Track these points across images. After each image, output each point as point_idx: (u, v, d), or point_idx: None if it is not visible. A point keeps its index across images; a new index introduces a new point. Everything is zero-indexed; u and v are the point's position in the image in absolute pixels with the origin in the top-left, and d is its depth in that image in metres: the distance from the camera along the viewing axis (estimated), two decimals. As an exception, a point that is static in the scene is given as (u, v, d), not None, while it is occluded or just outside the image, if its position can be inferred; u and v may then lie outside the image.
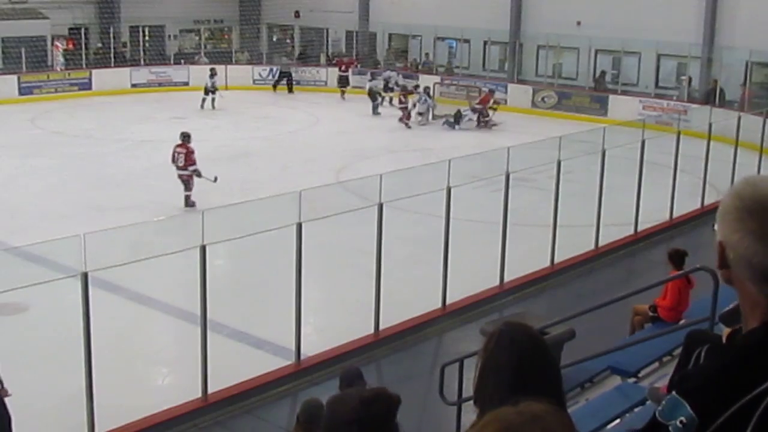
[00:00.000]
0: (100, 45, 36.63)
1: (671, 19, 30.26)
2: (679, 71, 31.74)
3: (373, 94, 31.78)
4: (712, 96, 28.82)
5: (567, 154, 15.13)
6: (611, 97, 31.27)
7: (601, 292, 13.59)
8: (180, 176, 19.04)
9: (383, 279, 11.97)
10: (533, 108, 32.53)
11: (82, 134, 26.98)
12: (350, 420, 2.70)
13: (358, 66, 36.65)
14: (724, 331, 5.67)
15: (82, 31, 35.43)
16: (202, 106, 31.68)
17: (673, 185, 17.40)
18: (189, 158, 18.88)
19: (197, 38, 40.12)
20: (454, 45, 36.99)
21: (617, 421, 7.19)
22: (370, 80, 33.20)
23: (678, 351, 8.51)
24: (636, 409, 7.28)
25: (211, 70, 32.51)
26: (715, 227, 2.15)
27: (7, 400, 9.42)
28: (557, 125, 26.98)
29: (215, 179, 18.62)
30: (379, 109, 31.32)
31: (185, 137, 19.50)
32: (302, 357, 11.21)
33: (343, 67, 35.56)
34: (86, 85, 34.50)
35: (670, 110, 27.98)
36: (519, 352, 2.71)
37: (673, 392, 1.95)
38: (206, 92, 31.85)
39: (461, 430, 8.91)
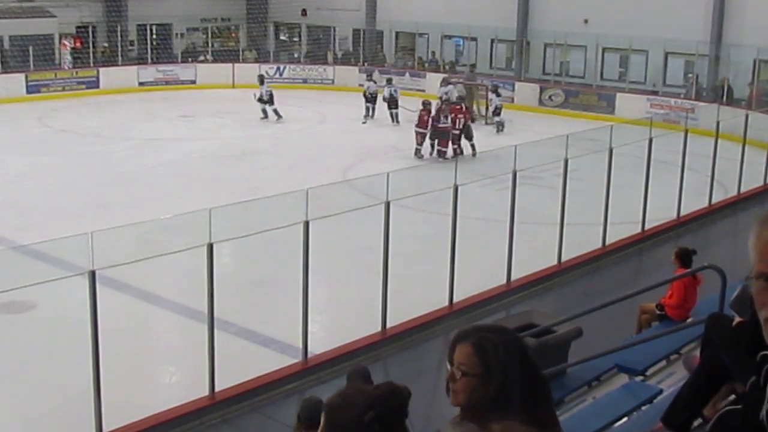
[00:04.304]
0: (105, 44, 36.72)
1: (679, 17, 30.21)
2: (686, 69, 31.70)
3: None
4: (719, 94, 28.77)
5: (574, 153, 15.11)
6: (618, 95, 31.22)
7: (608, 290, 13.58)
8: (450, 133, 24.06)
9: (390, 277, 11.97)
10: (540, 106, 32.49)
11: (89, 132, 27.04)
12: (371, 419, 2.65)
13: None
14: (736, 318, 5.72)
15: (90, 29, 35.53)
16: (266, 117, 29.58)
17: (681, 183, 17.36)
18: (460, 120, 24.24)
19: (204, 36, 40.17)
20: (461, 43, 36.99)
21: (624, 419, 7.17)
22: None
23: (685, 349, 8.52)
24: (643, 408, 7.27)
25: (260, 77, 30.83)
26: None
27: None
28: (564, 123, 26.96)
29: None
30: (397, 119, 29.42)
31: (462, 99, 27.22)
32: (309, 355, 11.21)
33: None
34: (94, 84, 34.59)
35: (677, 108, 27.92)
36: (519, 353, 2.72)
37: None
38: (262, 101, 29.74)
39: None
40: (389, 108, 29.55)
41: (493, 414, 2.64)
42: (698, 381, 5.73)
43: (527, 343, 2.82)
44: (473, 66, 33.76)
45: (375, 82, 30.71)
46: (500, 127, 28.06)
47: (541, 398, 2.72)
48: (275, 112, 29.53)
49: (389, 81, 30.66)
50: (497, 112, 28.44)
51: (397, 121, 29.04)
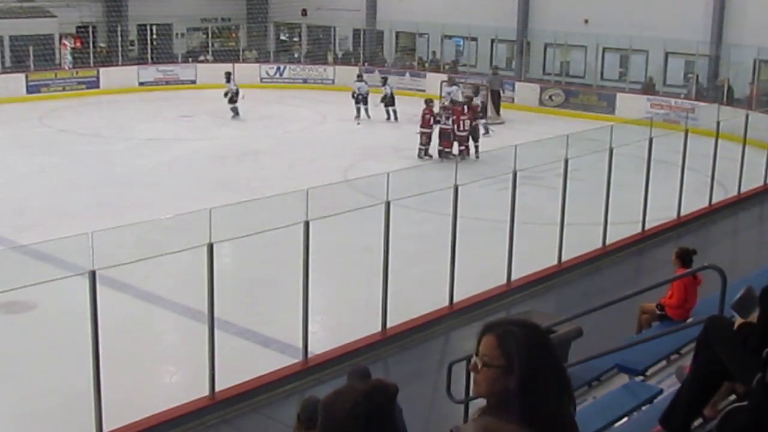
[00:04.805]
0: (103, 45, 36.74)
1: (679, 16, 30.21)
2: (686, 69, 31.70)
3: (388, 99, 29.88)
4: (719, 94, 28.76)
5: (574, 153, 15.10)
6: (618, 95, 31.22)
7: (609, 290, 13.57)
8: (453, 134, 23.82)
9: (390, 277, 11.96)
10: (541, 106, 32.48)
11: (89, 132, 27.06)
12: (356, 415, 2.70)
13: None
14: (737, 321, 5.72)
15: (90, 29, 35.54)
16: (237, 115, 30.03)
17: (681, 183, 17.36)
18: (464, 121, 23.83)
19: (205, 36, 40.18)
20: (462, 43, 36.99)
21: (625, 419, 7.17)
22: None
23: (686, 349, 8.51)
24: (643, 408, 7.26)
25: (227, 74, 30.79)
26: None
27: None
28: (564, 123, 26.96)
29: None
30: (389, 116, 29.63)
31: (470, 98, 26.11)
32: (309, 355, 11.21)
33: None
34: (94, 84, 34.60)
35: (677, 108, 27.92)
36: (542, 350, 2.75)
37: None
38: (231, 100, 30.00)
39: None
40: (387, 106, 29.60)
41: (513, 408, 2.67)
42: (695, 383, 5.72)
43: (553, 344, 2.82)
44: (497, 68, 33.07)
45: (366, 83, 30.64)
46: (486, 129, 27.28)
47: (559, 399, 2.73)
48: (234, 109, 29.69)
49: (385, 80, 30.68)
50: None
51: (396, 119, 29.15)
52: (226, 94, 30.02)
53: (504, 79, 33.35)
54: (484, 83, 30.98)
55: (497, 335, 2.75)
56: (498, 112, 30.66)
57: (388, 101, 29.63)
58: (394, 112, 29.48)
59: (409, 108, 29.92)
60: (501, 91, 31.40)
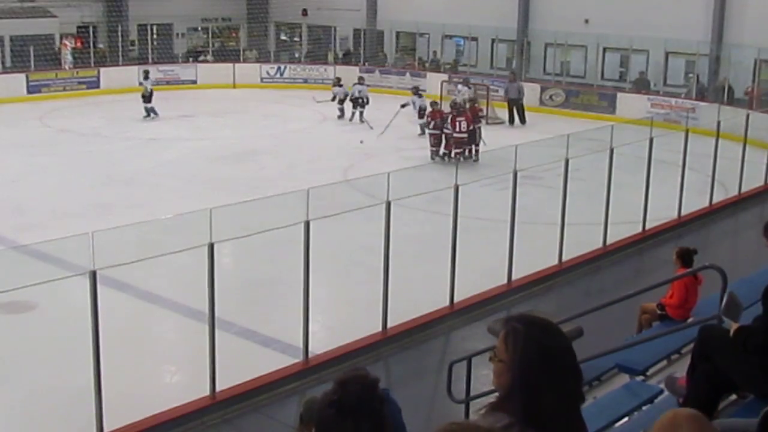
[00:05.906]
0: (101, 46, 36.74)
1: (679, 16, 30.22)
2: (687, 69, 31.70)
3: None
4: (720, 94, 28.76)
5: (575, 152, 15.09)
6: (619, 95, 31.22)
7: (609, 290, 13.58)
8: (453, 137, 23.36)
9: (391, 277, 11.95)
10: (541, 106, 32.44)
11: (90, 132, 27.05)
12: (329, 402, 2.75)
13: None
14: (732, 326, 5.70)
15: (91, 29, 35.56)
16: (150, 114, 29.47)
17: (682, 183, 17.35)
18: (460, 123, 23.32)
19: (205, 36, 40.19)
20: (462, 43, 37.00)
21: (625, 419, 7.17)
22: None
23: (686, 349, 8.50)
24: (644, 408, 7.26)
25: (145, 71, 30.47)
26: None
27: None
28: (565, 123, 26.94)
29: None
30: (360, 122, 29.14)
31: (474, 101, 25.79)
32: (310, 355, 11.21)
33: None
34: (94, 84, 34.60)
35: (678, 108, 27.90)
36: (542, 350, 2.75)
37: None
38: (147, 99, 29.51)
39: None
40: (355, 107, 29.39)
41: (513, 404, 2.69)
42: (697, 398, 5.68)
43: (564, 344, 2.83)
44: (514, 74, 31.97)
45: (367, 86, 30.26)
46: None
47: (561, 400, 2.73)
48: (151, 110, 29.31)
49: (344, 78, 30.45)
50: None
51: (362, 120, 28.89)
52: (143, 96, 29.54)
53: (502, 78, 33.04)
54: (489, 86, 30.86)
55: (505, 331, 2.82)
56: (522, 121, 30.01)
57: (359, 102, 29.53)
58: (361, 113, 29.26)
59: (411, 108, 29.91)
60: (521, 99, 30.43)
